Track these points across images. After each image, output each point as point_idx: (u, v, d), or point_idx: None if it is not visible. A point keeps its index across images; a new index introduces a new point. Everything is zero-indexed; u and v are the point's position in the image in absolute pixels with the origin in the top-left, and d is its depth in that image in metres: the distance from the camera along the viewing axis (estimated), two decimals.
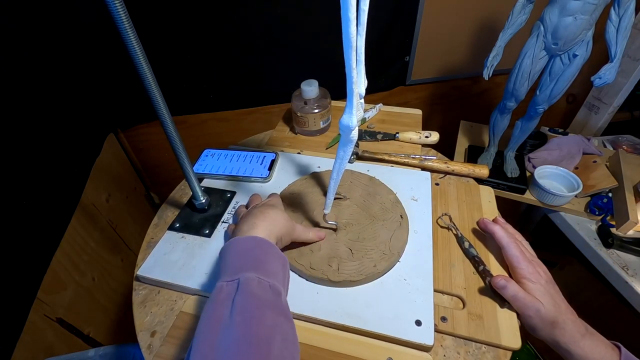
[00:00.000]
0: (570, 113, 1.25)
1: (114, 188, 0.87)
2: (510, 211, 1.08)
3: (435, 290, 0.42)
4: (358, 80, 0.32)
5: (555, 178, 0.84)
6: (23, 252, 0.54)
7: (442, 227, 0.50)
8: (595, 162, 0.87)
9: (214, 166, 0.59)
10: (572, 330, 0.37)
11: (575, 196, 0.80)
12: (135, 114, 0.92)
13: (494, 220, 0.48)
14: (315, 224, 0.47)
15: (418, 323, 0.38)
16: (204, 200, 0.50)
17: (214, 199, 0.53)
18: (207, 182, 0.57)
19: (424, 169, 0.59)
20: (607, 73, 0.56)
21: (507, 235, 0.43)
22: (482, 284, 0.43)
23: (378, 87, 1.05)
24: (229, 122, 1.01)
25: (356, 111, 0.31)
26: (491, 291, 0.41)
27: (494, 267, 0.45)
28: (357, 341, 0.38)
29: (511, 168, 0.84)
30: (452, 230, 0.49)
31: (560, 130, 1.05)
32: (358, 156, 0.62)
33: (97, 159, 0.81)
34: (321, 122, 0.66)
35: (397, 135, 0.66)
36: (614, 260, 0.72)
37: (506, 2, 0.64)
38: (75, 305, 0.66)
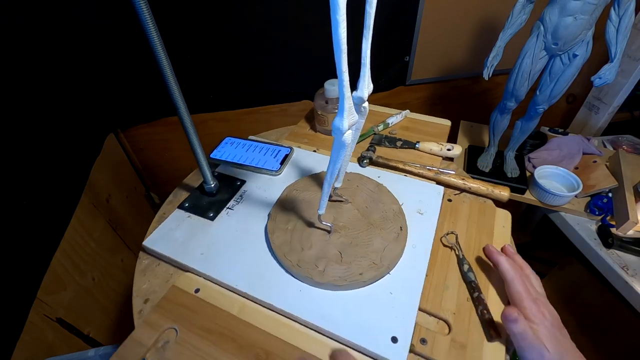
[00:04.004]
0: (570, 113, 1.25)
1: (114, 188, 0.87)
2: (510, 211, 1.08)
3: (421, 310, 0.40)
4: (362, 84, 0.32)
5: (555, 178, 0.84)
6: (23, 252, 0.54)
7: (445, 245, 0.47)
8: (595, 162, 0.87)
9: (231, 154, 0.61)
10: None
11: (575, 196, 0.80)
12: (135, 114, 0.92)
13: (502, 249, 0.44)
14: (310, 224, 0.47)
15: (394, 340, 0.36)
16: (212, 185, 0.52)
17: (224, 185, 0.55)
18: (222, 169, 0.59)
19: (438, 182, 0.56)
20: (607, 73, 0.56)
21: (513, 269, 0.39)
22: (474, 312, 0.40)
23: (378, 87, 1.05)
24: (229, 122, 1.01)
25: (348, 114, 0.30)
26: (482, 321, 0.39)
27: (492, 298, 0.42)
28: (335, 348, 0.37)
29: (511, 168, 0.85)
30: (455, 251, 0.46)
31: (560, 130, 1.06)
32: (371, 161, 0.60)
33: (97, 159, 0.81)
34: None
35: (418, 144, 0.63)
36: (613, 260, 0.71)
37: (506, 2, 0.64)
38: (75, 305, 0.66)
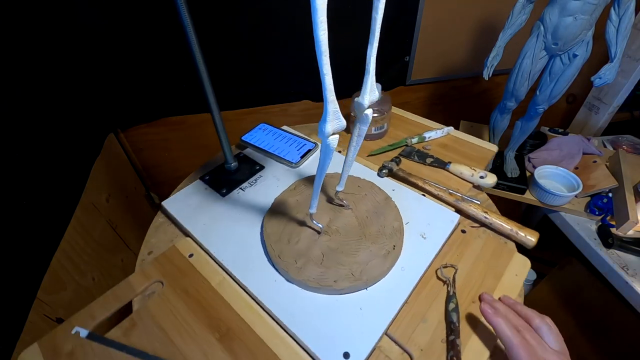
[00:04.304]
0: (570, 113, 1.25)
1: (114, 188, 0.87)
2: (510, 211, 1.09)
3: (387, 335, 0.38)
4: (364, 91, 0.31)
5: (555, 178, 0.84)
6: (23, 252, 0.54)
7: (438, 278, 0.43)
8: (595, 162, 0.87)
9: (259, 139, 0.63)
10: None
11: (575, 196, 0.80)
12: (135, 114, 0.92)
13: (500, 299, 0.39)
14: (302, 222, 0.47)
15: (346, 355, 0.35)
16: (231, 165, 0.56)
17: (244, 167, 0.58)
18: (248, 152, 0.63)
19: (458, 210, 0.51)
20: (607, 73, 0.56)
21: (514, 335, 0.33)
22: (445, 356, 0.36)
23: None
24: (229, 122, 1.00)
25: (332, 118, 0.29)
26: None
27: (470, 346, 0.37)
28: (287, 344, 0.37)
29: (511, 168, 0.85)
30: (447, 286, 0.42)
31: (560, 130, 1.06)
32: (391, 172, 0.57)
33: (97, 159, 0.81)
34: (373, 129, 0.63)
35: (449, 165, 0.59)
36: (613, 260, 0.71)
37: (506, 2, 0.64)
38: (75, 305, 0.65)
